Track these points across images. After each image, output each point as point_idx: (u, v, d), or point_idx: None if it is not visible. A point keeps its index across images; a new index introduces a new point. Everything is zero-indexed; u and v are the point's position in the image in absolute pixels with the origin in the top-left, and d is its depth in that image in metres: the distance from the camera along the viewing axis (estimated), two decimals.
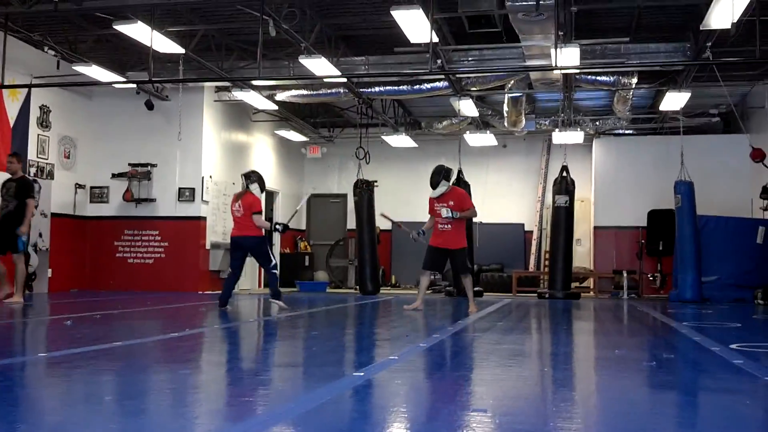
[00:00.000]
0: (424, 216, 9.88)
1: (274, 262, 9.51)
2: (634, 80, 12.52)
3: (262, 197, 10.06)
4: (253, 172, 9.76)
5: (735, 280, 13.11)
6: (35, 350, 5.55)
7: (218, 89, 14.29)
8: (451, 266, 9.73)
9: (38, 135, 12.74)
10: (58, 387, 3.85)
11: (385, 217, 10.56)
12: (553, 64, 10.02)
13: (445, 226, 9.19)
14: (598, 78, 12.55)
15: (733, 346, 5.56)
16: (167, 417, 3.13)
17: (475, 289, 14.29)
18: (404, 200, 17.21)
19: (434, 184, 9.24)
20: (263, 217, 9.40)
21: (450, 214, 9.07)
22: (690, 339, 6.42)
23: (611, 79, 12.49)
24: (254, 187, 9.39)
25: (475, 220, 15.01)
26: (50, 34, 11.82)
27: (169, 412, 3.24)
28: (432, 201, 9.29)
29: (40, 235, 12.65)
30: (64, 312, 9.07)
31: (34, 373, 4.31)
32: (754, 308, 11.22)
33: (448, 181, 9.28)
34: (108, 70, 12.09)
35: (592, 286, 15.73)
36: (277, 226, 9.76)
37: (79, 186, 13.95)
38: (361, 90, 13.44)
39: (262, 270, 16.72)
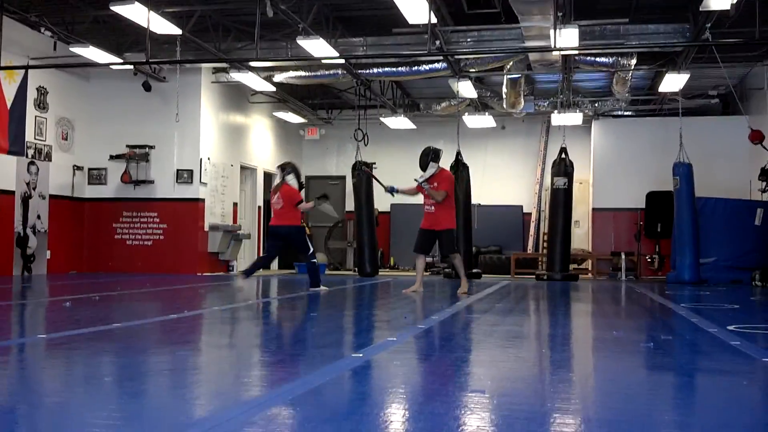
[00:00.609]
0: (421, 198, 9.90)
1: (311, 250, 9.63)
2: (633, 61, 12.48)
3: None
4: (288, 163, 9.91)
5: (733, 262, 13.14)
6: (34, 331, 5.56)
7: (216, 70, 14.24)
8: (439, 247, 9.77)
9: (36, 117, 12.70)
10: (58, 368, 3.86)
11: (367, 170, 10.37)
12: (552, 45, 9.98)
13: (430, 208, 9.31)
14: (597, 59, 12.52)
15: (731, 327, 5.58)
16: (167, 398, 3.14)
17: (474, 270, 14.38)
18: (402, 182, 17.16)
19: (423, 165, 9.39)
20: (305, 203, 9.67)
21: (420, 181, 9.19)
22: (688, 320, 6.44)
23: (610, 60, 12.46)
24: (290, 178, 9.54)
25: (473, 201, 15.11)
26: (47, 15, 11.75)
27: (168, 393, 3.25)
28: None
29: (39, 217, 12.65)
30: (62, 294, 9.08)
31: (34, 355, 4.32)
32: (752, 290, 11.25)
33: (437, 162, 9.37)
34: (105, 52, 12.03)
35: (590, 268, 15.75)
36: (319, 199, 9.95)
37: (77, 168, 13.93)
38: (359, 71, 13.39)
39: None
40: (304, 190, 10.08)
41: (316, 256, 9.78)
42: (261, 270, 16.11)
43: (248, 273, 9.89)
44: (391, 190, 9.69)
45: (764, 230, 12.95)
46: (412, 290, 9.38)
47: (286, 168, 9.68)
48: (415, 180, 9.34)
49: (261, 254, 16.77)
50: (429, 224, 9.33)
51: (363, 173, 9.78)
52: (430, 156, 9.36)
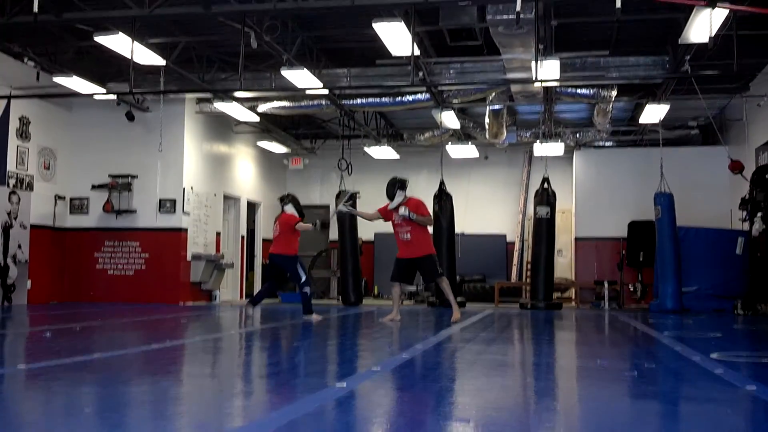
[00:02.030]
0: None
1: (304, 278, 9.72)
2: (614, 93, 12.63)
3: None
4: (288, 194, 10.20)
5: (715, 291, 13.21)
6: (14, 362, 5.49)
7: (199, 101, 14.25)
8: (421, 275, 9.72)
9: (18, 146, 12.64)
10: (38, 399, 3.81)
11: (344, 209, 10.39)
12: (534, 77, 10.09)
13: (406, 236, 9.29)
14: (578, 91, 12.65)
15: (714, 355, 5.60)
16: (148, 429, 3.11)
17: (459, 299, 14.34)
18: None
19: (390, 196, 9.46)
20: (303, 224, 9.72)
21: (406, 212, 9.18)
22: (671, 349, 6.46)
23: (591, 91, 12.60)
24: (289, 208, 9.83)
25: (457, 231, 15.14)
26: (30, 46, 11.75)
27: (150, 424, 3.21)
28: (389, 212, 9.45)
29: (20, 246, 12.54)
30: (43, 324, 8.98)
31: (14, 386, 4.26)
32: (734, 318, 11.31)
33: (404, 191, 9.44)
34: (88, 82, 12.03)
35: (573, 297, 15.78)
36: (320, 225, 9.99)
37: (58, 197, 13.84)
38: (343, 102, 13.46)
39: (243, 281, 16.70)
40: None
41: (310, 284, 9.89)
42: (241, 299, 16.05)
43: (255, 302, 10.12)
44: (344, 208, 9.70)
45: (745, 259, 13.04)
46: (389, 318, 9.35)
47: (284, 199, 9.99)
48: (402, 215, 9.29)
49: (243, 282, 16.71)
50: (408, 253, 9.30)
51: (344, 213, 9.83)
52: (396, 186, 9.44)
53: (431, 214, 9.35)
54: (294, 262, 9.68)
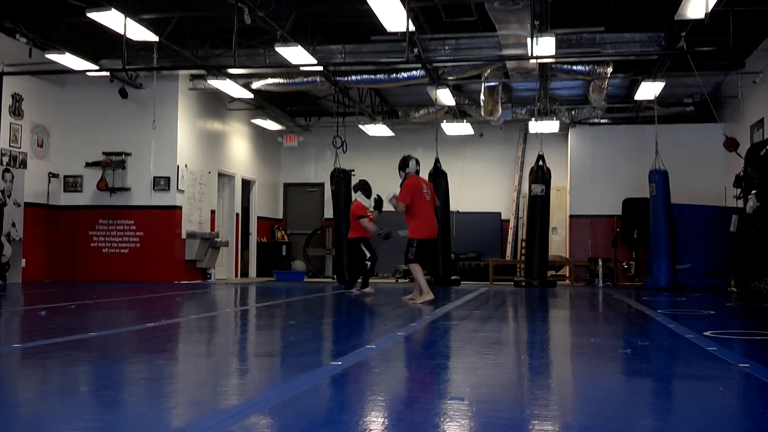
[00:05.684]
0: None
1: (368, 255, 10.70)
2: (610, 69, 12.59)
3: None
4: (359, 181, 11.01)
5: (709, 268, 13.26)
6: (9, 341, 5.49)
7: (193, 77, 14.17)
8: None
9: (11, 123, 12.57)
10: (33, 378, 3.81)
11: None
12: (529, 54, 10.04)
13: None
14: (574, 67, 12.61)
15: (707, 333, 5.62)
16: (143, 407, 3.11)
17: (453, 277, 14.40)
18: (381, 189, 17.18)
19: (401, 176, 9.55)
20: (366, 220, 10.52)
21: (384, 196, 9.51)
22: (664, 326, 6.48)
23: (587, 68, 12.56)
24: (358, 195, 10.71)
25: (451, 208, 15.20)
26: (22, 22, 11.66)
27: (145, 402, 3.21)
28: None
29: (14, 224, 12.51)
30: (37, 302, 8.98)
31: (8, 364, 4.26)
32: (728, 296, 11.35)
33: (404, 170, 9.44)
34: (81, 58, 11.95)
35: (567, 275, 15.83)
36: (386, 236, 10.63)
37: (52, 175, 13.80)
38: (337, 78, 13.39)
39: (237, 259, 16.69)
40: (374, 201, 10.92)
41: (373, 261, 10.78)
42: (237, 278, 16.05)
43: (349, 285, 11.08)
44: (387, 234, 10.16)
45: (739, 237, 13.08)
46: (422, 300, 9.00)
47: (355, 187, 10.93)
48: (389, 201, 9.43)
49: (238, 260, 16.71)
50: None
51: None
52: (399, 166, 9.47)
53: (406, 201, 9.13)
54: (356, 243, 10.69)
